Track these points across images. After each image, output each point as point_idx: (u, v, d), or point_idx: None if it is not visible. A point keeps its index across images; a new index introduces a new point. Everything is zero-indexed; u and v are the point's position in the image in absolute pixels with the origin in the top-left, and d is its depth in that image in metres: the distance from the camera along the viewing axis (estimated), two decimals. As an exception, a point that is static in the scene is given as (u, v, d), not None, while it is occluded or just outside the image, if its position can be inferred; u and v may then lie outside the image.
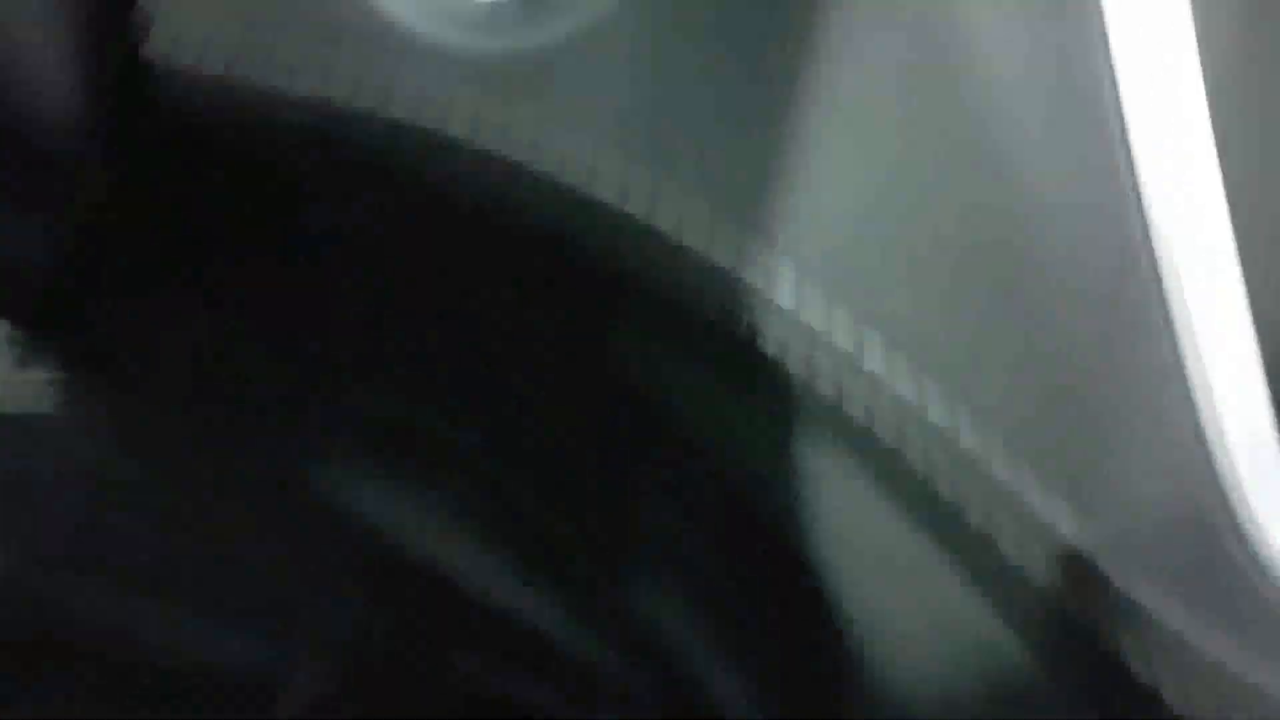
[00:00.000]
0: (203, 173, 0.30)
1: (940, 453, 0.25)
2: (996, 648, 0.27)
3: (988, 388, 0.25)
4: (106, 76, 0.29)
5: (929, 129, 0.25)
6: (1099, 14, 0.25)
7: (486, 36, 0.27)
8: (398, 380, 0.33)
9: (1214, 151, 0.25)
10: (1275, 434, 0.25)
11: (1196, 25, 0.25)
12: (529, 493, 0.33)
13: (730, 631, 0.32)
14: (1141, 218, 0.25)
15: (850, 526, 0.27)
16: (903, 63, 0.25)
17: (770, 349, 0.26)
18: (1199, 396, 0.25)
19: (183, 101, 0.28)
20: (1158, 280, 0.25)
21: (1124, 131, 0.25)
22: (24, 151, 0.29)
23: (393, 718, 0.36)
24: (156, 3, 0.28)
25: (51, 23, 0.28)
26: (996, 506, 0.25)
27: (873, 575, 0.28)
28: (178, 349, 0.34)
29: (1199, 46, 0.25)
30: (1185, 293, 0.25)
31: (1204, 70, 0.25)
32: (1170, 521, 0.25)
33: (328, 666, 0.36)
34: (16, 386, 0.34)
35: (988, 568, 0.26)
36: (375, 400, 0.34)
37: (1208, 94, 0.25)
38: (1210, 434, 0.25)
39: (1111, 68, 0.25)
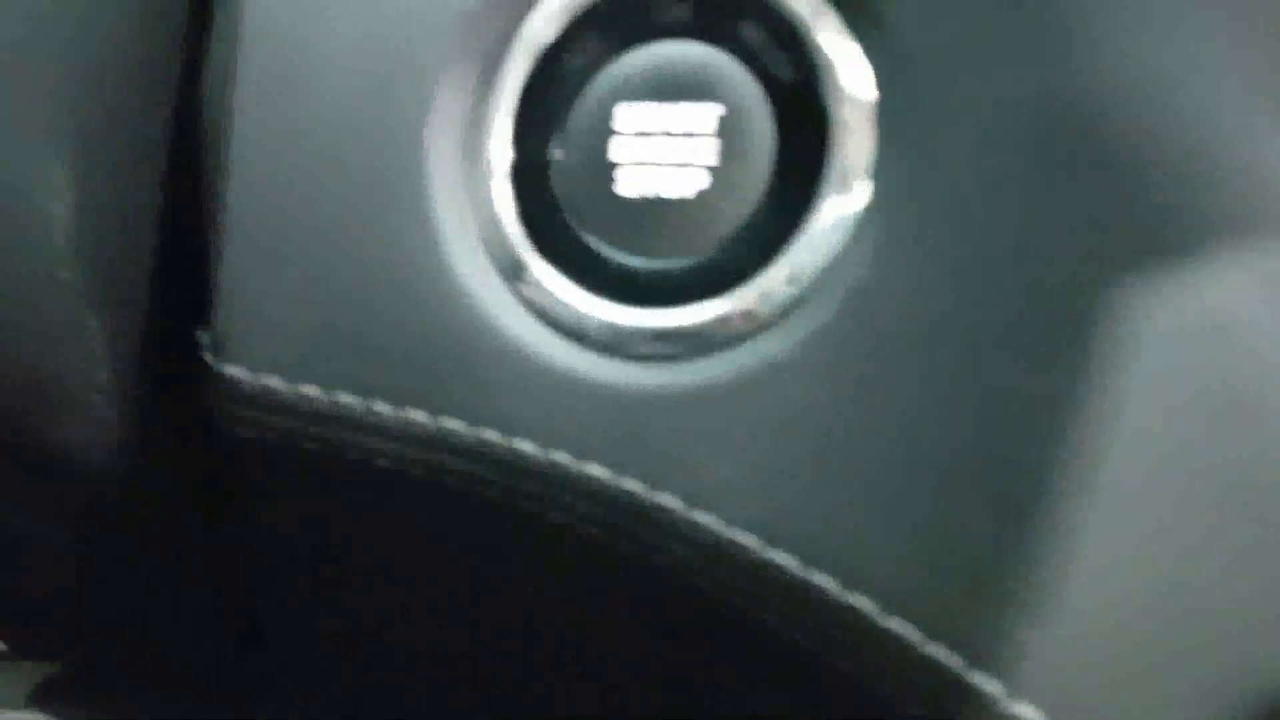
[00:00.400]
0: (266, 503, 0.27)
1: None
2: None
3: None
4: (164, 397, 0.26)
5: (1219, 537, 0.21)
6: None
7: (629, 369, 0.24)
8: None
9: None
10: None
11: None
12: None
13: None
14: None
15: None
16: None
17: None
18: None
19: (258, 427, 0.25)
20: None
21: None
22: (54, 466, 0.27)
23: None
24: (235, 318, 0.25)
25: (97, 344, 0.25)
26: None
27: None
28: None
29: None
30: None
31: None
32: None
33: None
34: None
35: None
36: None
37: None
38: None
39: None
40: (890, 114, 0.24)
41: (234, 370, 0.25)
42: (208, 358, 0.25)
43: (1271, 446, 0.22)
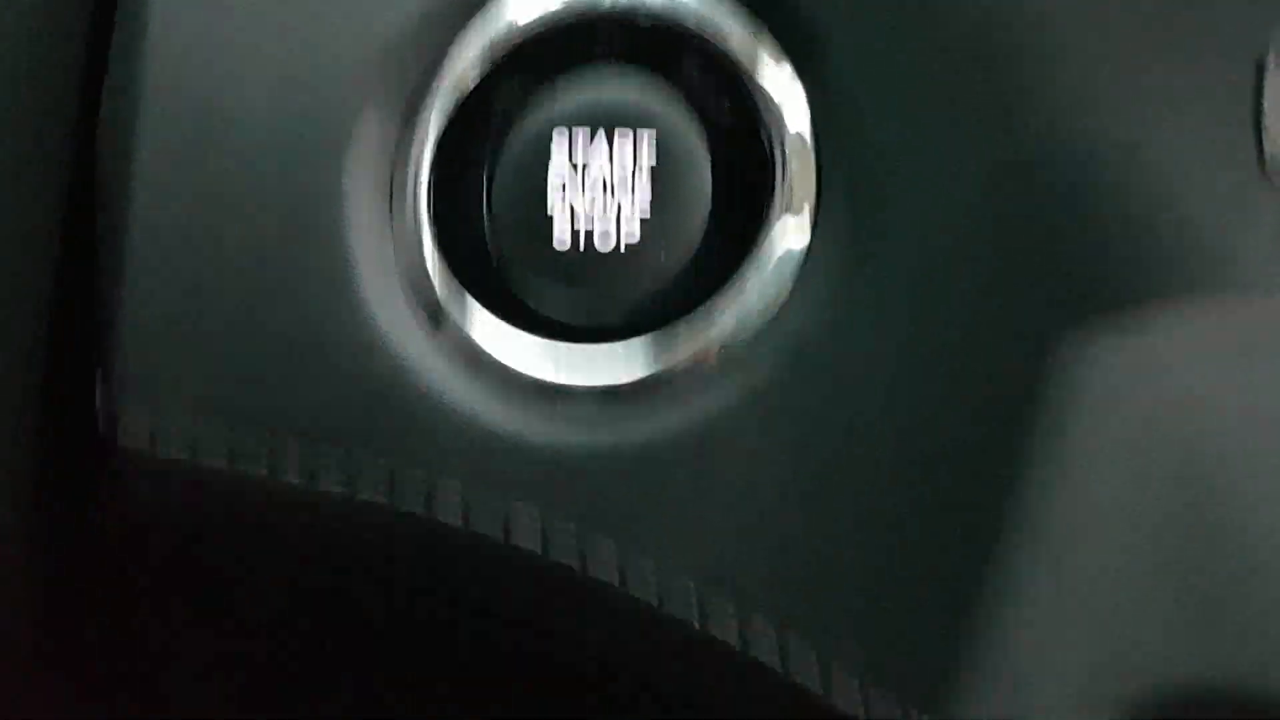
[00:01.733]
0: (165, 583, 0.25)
1: None
2: None
3: None
4: (56, 474, 0.25)
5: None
6: None
7: (560, 427, 0.23)
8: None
9: None
10: None
11: None
12: None
13: None
14: None
15: None
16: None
17: None
18: None
19: (159, 503, 0.24)
20: None
21: None
22: None
23: None
24: (131, 384, 0.23)
25: None
26: None
27: None
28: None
29: None
30: None
31: None
32: None
33: None
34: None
35: None
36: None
37: None
38: None
39: None
40: (831, 158, 0.23)
41: (130, 437, 0.23)
42: (101, 422, 0.23)
43: (1231, 516, 0.21)
